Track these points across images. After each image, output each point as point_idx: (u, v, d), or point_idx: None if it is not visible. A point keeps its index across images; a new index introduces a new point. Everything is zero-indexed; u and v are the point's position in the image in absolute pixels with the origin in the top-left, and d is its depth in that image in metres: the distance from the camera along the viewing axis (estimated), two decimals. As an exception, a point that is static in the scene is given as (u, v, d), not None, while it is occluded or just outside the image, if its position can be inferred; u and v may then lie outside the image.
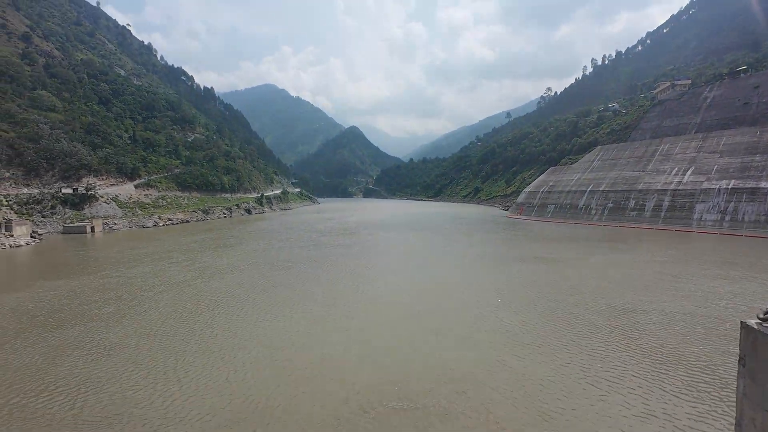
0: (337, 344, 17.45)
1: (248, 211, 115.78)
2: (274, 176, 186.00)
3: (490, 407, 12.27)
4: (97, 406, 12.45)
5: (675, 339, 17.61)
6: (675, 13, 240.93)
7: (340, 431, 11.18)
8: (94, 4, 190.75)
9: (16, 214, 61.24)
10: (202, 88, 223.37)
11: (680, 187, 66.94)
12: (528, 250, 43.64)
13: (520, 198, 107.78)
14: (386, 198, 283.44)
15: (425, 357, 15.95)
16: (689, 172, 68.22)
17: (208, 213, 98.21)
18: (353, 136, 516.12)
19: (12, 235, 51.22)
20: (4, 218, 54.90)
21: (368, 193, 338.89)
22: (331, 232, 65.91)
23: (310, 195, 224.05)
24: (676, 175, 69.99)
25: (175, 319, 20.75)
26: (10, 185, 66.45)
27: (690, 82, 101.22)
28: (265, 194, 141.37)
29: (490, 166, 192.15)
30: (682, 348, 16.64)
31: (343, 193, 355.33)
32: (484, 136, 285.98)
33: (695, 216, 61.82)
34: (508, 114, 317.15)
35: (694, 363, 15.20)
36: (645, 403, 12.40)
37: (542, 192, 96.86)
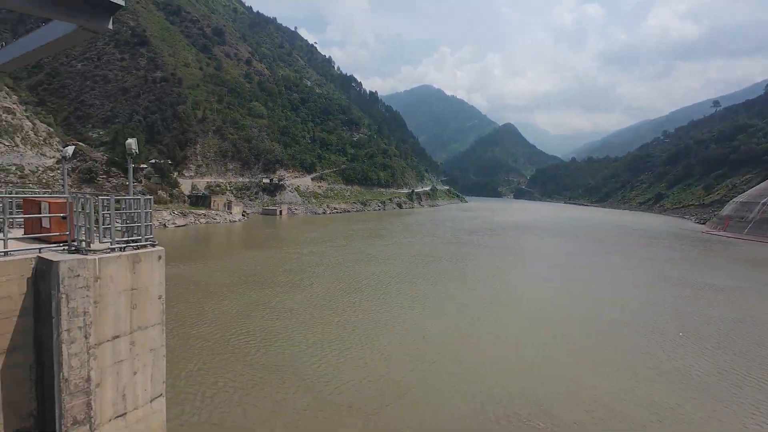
0: (476, 344, 17.29)
1: (399, 206, 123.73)
2: (425, 173, 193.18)
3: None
4: (272, 354, 15.63)
5: None
6: None
7: (469, 432, 11.16)
8: (293, 29, 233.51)
9: (235, 197, 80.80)
10: (367, 92, 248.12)
11: None
12: (734, 278, 33.78)
13: (727, 209, 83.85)
14: (540, 200, 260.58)
15: (573, 380, 14.31)
16: None
17: (365, 205, 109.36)
18: (507, 134, 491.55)
19: (231, 213, 67.96)
20: (227, 200, 73.11)
21: (519, 194, 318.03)
22: (476, 231, 64.76)
23: (458, 193, 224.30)
24: None
25: (332, 294, 24.10)
26: (232, 175, 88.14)
27: None
28: (415, 190, 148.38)
29: (681, 168, 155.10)
30: None
31: (492, 192, 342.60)
32: (675, 132, 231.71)
33: None
34: (716, 102, 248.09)
35: None
36: None
37: (765, 203, 73.09)
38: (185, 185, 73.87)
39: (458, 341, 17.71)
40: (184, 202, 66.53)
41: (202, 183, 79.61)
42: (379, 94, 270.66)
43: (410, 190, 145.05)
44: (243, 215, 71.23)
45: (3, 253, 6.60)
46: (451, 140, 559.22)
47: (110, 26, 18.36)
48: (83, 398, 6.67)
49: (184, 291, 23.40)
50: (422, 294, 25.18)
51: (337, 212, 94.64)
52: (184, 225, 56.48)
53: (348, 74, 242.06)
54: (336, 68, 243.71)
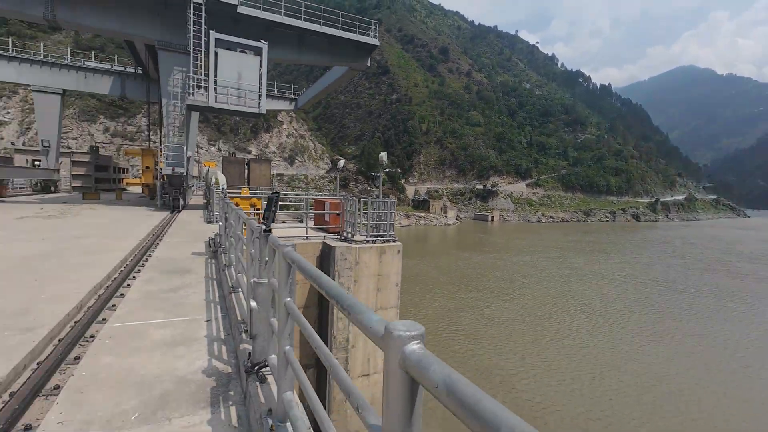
0: (741, 411, 12.61)
1: (636, 217, 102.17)
2: (677, 178, 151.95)
3: None
4: (478, 357, 16.00)
5: None
6: None
7: None
8: (513, 33, 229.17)
9: (450, 202, 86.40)
10: (597, 86, 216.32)
11: None
12: None
13: None
14: None
15: None
16: None
17: (588, 215, 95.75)
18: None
19: (446, 216, 73.03)
20: (443, 204, 79.00)
21: None
22: (762, 257, 46.29)
23: (733, 205, 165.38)
24: None
25: (542, 310, 22.41)
26: (449, 181, 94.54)
27: None
28: (660, 199, 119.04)
29: None
30: None
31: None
32: None
33: None
34: None
35: None
36: None
37: None
38: (409, 190, 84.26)
39: (712, 401, 13.32)
40: (409, 205, 75.94)
41: (422, 188, 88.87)
42: (614, 86, 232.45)
43: (653, 199, 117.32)
44: (456, 219, 75.24)
45: (305, 237, 9.50)
46: (723, 134, 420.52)
47: (368, 63, 23.23)
48: (343, 354, 8.81)
49: (405, 282, 26.84)
50: (661, 330, 20.13)
51: (553, 221, 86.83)
52: (407, 225, 64.58)
53: (573, 69, 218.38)
54: (559, 65, 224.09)
